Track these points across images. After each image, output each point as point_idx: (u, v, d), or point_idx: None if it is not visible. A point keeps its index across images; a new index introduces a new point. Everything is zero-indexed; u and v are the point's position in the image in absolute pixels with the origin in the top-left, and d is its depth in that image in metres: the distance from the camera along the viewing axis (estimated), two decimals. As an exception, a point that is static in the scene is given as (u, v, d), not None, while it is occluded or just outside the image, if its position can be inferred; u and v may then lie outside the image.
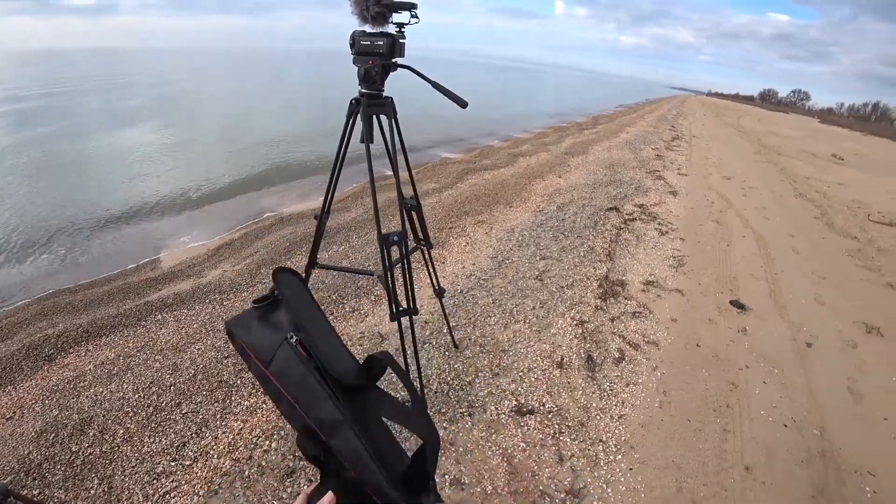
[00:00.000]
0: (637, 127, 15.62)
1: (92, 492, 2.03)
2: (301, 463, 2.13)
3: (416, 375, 2.16)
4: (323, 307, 3.35)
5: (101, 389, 2.64)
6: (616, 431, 2.38)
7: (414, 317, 1.87)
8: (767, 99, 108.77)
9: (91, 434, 2.32)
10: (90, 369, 2.83)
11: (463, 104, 1.65)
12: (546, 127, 15.04)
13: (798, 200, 7.57)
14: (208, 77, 28.07)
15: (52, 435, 2.32)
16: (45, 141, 9.50)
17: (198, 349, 2.98)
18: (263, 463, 2.13)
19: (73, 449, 2.24)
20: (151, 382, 2.67)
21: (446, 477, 2.06)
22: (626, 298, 3.69)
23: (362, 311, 3.32)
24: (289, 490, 2.01)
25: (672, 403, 2.61)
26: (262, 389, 0.72)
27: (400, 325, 1.75)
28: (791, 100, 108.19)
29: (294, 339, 0.66)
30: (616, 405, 2.56)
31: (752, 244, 5.16)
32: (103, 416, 2.43)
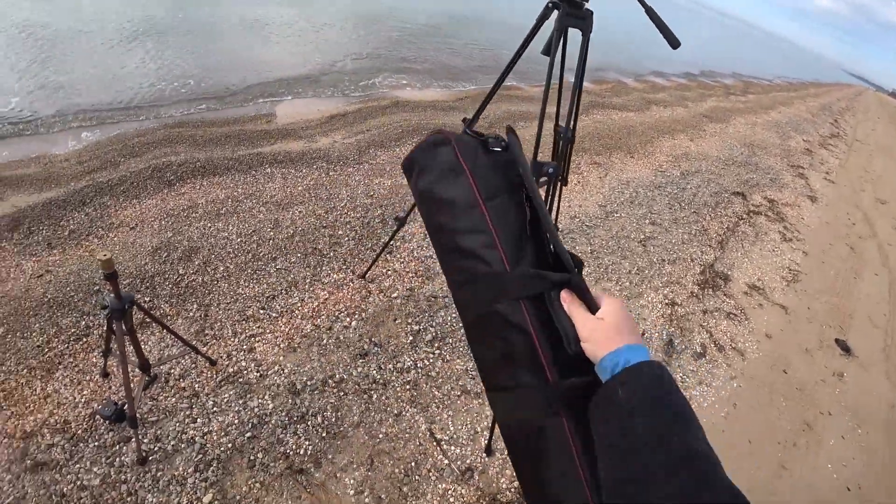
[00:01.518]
0: (793, 109, 13.66)
1: (191, 314, 2.29)
2: (375, 349, 2.27)
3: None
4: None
5: (209, 224, 2.88)
6: (674, 425, 2.37)
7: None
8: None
9: (196, 263, 2.58)
10: (202, 203, 3.08)
11: (676, 43, 1.43)
12: (689, 80, 13.49)
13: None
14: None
15: (165, 254, 2.60)
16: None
17: (299, 211, 3.14)
18: (341, 337, 2.30)
19: (181, 271, 2.50)
20: (253, 231, 2.88)
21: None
22: (725, 295, 3.47)
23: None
24: (359, 370, 2.17)
25: (739, 419, 2.52)
26: (433, 219, 0.73)
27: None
28: None
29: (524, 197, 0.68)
30: (682, 399, 2.51)
31: (883, 286, 4.59)
32: (208, 249, 2.68)
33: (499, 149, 0.71)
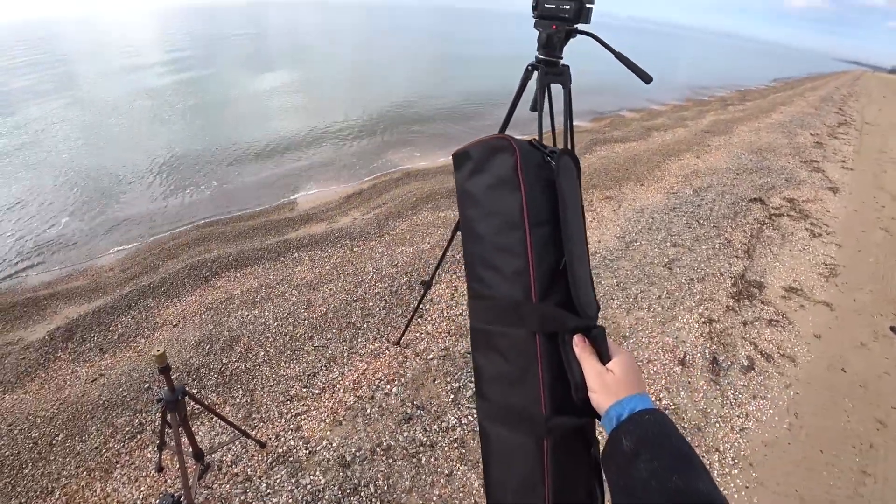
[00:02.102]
0: (794, 107, 13.66)
1: (238, 400, 2.39)
2: (418, 412, 2.31)
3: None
4: (445, 265, 3.51)
5: (246, 313, 3.04)
6: (735, 444, 2.28)
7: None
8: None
9: (238, 350, 2.71)
10: (238, 293, 3.27)
11: (647, 79, 1.54)
12: (685, 100, 13.73)
13: None
14: (340, 30, 29.21)
15: (208, 346, 2.74)
16: (196, 89, 10.59)
17: (329, 289, 3.28)
18: (384, 405, 2.35)
19: (224, 361, 2.63)
20: (288, 314, 3.01)
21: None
22: (762, 303, 3.40)
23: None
24: (405, 434, 2.20)
25: (803, 428, 2.42)
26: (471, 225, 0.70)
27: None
28: None
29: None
30: (739, 416, 2.44)
31: (928, 263, 4.42)
32: (248, 336, 2.82)
33: (546, 157, 0.69)
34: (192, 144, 7.04)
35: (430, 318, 2.95)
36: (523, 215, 0.64)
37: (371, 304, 3.11)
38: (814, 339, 3.09)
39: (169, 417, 1.53)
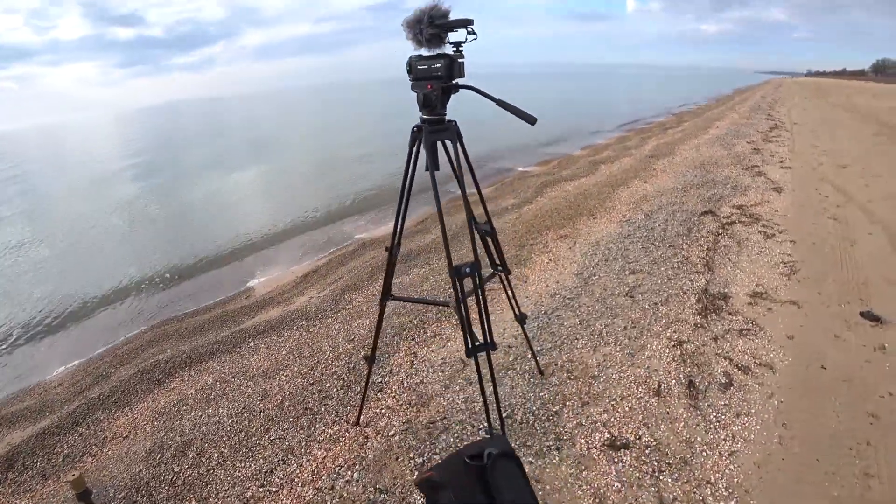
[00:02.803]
0: (727, 120, 14.42)
1: None
2: (381, 496, 2.09)
3: (497, 415, 2.04)
4: (403, 332, 3.37)
5: (200, 413, 2.82)
6: (726, 471, 2.11)
7: (492, 352, 1.77)
8: (883, 70, 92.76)
9: (190, 456, 2.48)
10: (191, 393, 3.06)
11: (531, 121, 1.53)
12: (626, 130, 14.40)
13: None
14: (293, 116, 30.33)
15: (159, 455, 2.51)
16: (157, 189, 10.66)
17: (285, 375, 3.10)
18: (345, 494, 2.13)
19: (176, 469, 2.40)
20: (243, 408, 2.80)
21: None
22: (730, 314, 3.33)
23: (443, 336, 3.29)
24: (371, 524, 1.98)
25: (795, 439, 2.27)
26: None
27: (477, 361, 1.67)
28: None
29: None
30: (725, 439, 2.27)
31: (882, 241, 4.46)
32: (201, 439, 2.59)
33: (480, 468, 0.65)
34: (149, 244, 6.93)
35: (389, 391, 2.76)
36: None
37: (328, 384, 2.92)
38: (787, 342, 3.00)
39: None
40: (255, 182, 11.07)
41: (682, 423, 2.36)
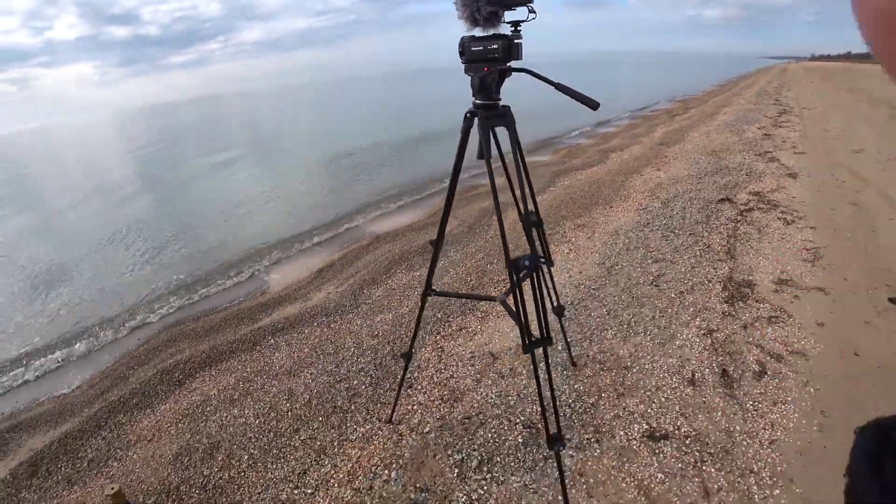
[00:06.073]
0: (734, 106, 14.27)
1: None
2: (422, 495, 2.08)
3: (553, 411, 2.01)
4: (427, 326, 3.35)
5: (225, 414, 2.80)
6: (769, 460, 2.09)
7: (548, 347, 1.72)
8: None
9: (219, 459, 2.45)
10: (214, 394, 3.03)
11: (594, 106, 1.44)
12: (633, 118, 14.26)
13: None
14: (295, 112, 30.16)
15: (187, 458, 2.48)
16: (166, 189, 10.63)
17: (311, 374, 3.07)
18: (385, 494, 2.11)
19: (205, 473, 2.37)
20: (270, 408, 2.78)
21: (582, 512, 1.92)
22: (757, 301, 3.30)
23: (470, 330, 3.27)
24: (414, 523, 1.97)
25: (835, 427, 2.24)
26: None
27: (534, 356, 1.64)
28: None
29: None
30: (764, 428, 2.25)
31: (904, 227, 4.41)
32: (229, 441, 2.57)
33: None
34: (160, 252, 6.91)
35: (420, 388, 2.74)
36: None
37: (356, 382, 2.90)
38: (818, 329, 2.96)
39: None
40: (263, 179, 11.03)
41: (720, 413, 2.34)
